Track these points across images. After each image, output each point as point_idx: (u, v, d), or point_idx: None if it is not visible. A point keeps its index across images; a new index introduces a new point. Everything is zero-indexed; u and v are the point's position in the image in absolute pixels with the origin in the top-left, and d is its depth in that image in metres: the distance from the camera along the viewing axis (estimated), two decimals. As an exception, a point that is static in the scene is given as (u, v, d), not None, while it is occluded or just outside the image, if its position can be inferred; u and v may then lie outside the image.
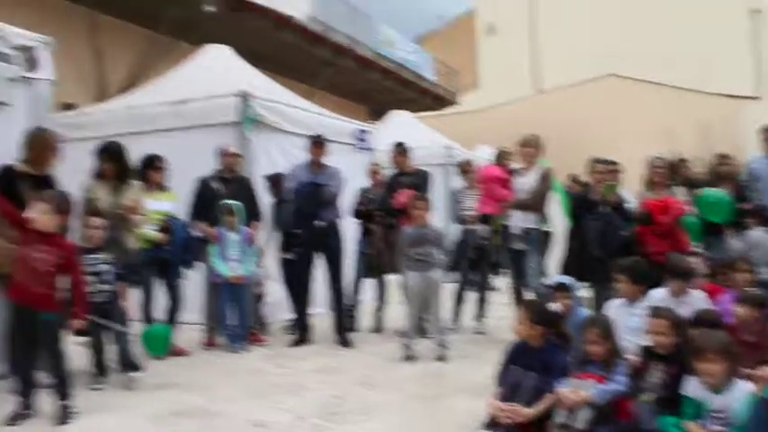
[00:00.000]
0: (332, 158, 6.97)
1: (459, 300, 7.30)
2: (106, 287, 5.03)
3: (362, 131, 9.45)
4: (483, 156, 12.34)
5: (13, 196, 4.60)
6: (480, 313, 7.33)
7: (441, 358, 5.92)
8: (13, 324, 4.31)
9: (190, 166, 6.71)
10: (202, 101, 7.61)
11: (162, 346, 5.91)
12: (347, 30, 20.25)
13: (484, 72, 32.75)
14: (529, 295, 6.11)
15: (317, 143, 6.77)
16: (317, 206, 6.60)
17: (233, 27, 14.17)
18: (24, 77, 5.27)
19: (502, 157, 7.89)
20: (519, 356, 3.94)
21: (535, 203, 6.45)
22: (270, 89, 8.67)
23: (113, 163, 5.65)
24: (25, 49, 5.25)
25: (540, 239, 6.60)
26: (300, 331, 6.74)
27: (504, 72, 29.80)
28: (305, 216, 6.58)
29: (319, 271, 6.78)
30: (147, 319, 6.01)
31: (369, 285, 7.50)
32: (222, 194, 6.46)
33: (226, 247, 6.38)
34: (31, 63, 5.30)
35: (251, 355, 6.25)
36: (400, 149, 7.32)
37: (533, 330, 3.91)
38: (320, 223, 6.59)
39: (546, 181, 6.47)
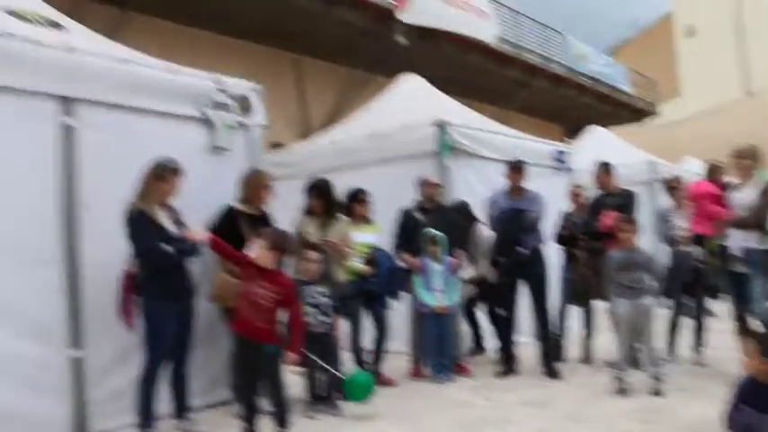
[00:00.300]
0: (531, 182, 6.85)
1: (673, 328, 6.82)
2: (325, 319, 5.28)
3: (561, 152, 9.21)
4: (691, 170, 11.61)
5: (234, 234, 5.00)
6: (698, 342, 6.80)
7: (656, 392, 5.55)
8: (237, 355, 4.61)
9: (390, 197, 6.87)
10: (400, 132, 7.80)
11: (363, 394, 5.80)
12: (538, 48, 20.01)
13: (684, 78, 30.94)
14: (754, 324, 5.59)
15: (516, 168, 6.69)
16: (520, 232, 6.50)
17: (423, 55, 14.45)
18: (241, 123, 5.70)
19: (714, 172, 7.36)
20: (750, 396, 3.56)
21: (756, 220, 5.89)
22: (465, 116, 8.71)
23: (321, 199, 5.93)
24: (241, 98, 5.69)
25: (764, 261, 6.02)
26: (506, 362, 6.64)
27: (707, 76, 28.00)
28: (507, 243, 6.51)
29: (524, 299, 6.65)
30: (356, 349, 6.19)
31: (575, 313, 7.25)
32: (424, 225, 6.55)
33: (430, 277, 6.44)
34: (247, 109, 5.73)
35: (456, 386, 6.23)
36: (605, 169, 7.04)
37: (765, 365, 3.54)
38: (523, 250, 6.48)
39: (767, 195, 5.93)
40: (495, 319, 6.90)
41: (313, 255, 5.37)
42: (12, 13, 5.04)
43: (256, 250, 4.52)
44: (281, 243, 4.59)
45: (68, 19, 5.76)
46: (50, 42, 4.72)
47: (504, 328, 6.67)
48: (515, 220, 6.54)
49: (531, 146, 8.77)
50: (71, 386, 4.60)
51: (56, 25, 5.31)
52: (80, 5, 9.60)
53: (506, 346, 6.67)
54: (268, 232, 4.72)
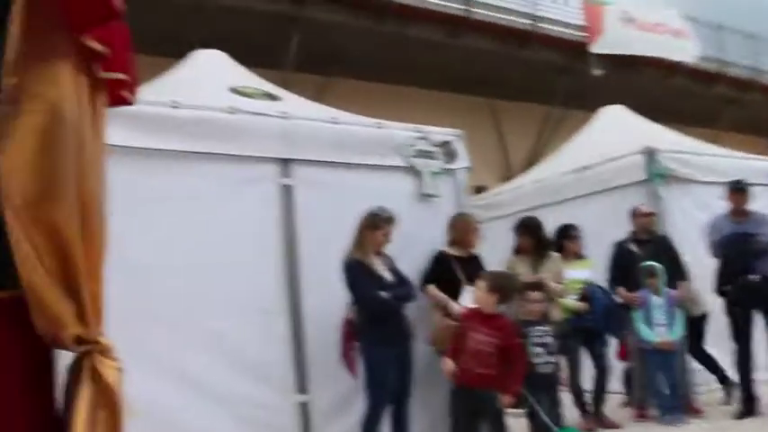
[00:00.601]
0: (755, 203, 6.35)
1: None
2: (551, 358, 5.16)
3: (786, 169, 8.44)
4: None
5: (448, 278, 5.11)
6: None
7: None
8: (457, 400, 4.62)
9: (599, 231, 6.64)
10: (606, 164, 7.56)
11: None
12: (747, 60, 18.66)
13: None
14: None
15: (738, 189, 6.23)
16: (748, 258, 5.99)
17: (621, 85, 14.00)
18: (445, 169, 5.82)
19: None
20: None
21: None
22: (673, 140, 8.29)
23: (531, 237, 5.86)
24: (444, 144, 5.82)
25: None
26: (745, 401, 6.04)
27: None
28: (735, 271, 6.02)
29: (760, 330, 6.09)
30: (575, 390, 5.97)
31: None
32: (640, 257, 6.22)
33: (650, 311, 6.08)
34: (450, 156, 5.84)
35: (688, 429, 5.75)
36: None
37: None
38: (755, 277, 5.95)
39: None
40: (701, 356, 6.39)
41: (535, 295, 5.27)
42: (234, 90, 5.56)
43: (474, 294, 4.55)
44: (501, 284, 4.57)
45: (281, 90, 6.26)
46: (268, 112, 5.14)
47: (742, 363, 6.10)
48: (742, 244, 6.05)
49: (752, 164, 8.12)
50: (299, 430, 4.83)
51: (271, 96, 5.78)
52: (289, 77, 10.42)
53: (745, 384, 6.09)
54: (487, 274, 4.73)
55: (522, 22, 13.88)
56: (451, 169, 5.85)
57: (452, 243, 5.43)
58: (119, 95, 2.47)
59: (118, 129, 3.79)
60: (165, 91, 5.07)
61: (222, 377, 4.55)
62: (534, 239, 5.84)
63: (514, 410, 5.05)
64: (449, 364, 4.63)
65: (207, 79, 5.69)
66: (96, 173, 2.21)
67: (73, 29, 2.12)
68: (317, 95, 10.28)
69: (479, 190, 10.61)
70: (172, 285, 4.39)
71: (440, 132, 5.89)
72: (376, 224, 4.84)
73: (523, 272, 5.70)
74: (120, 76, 2.38)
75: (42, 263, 2.03)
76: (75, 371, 2.13)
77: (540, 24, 14.08)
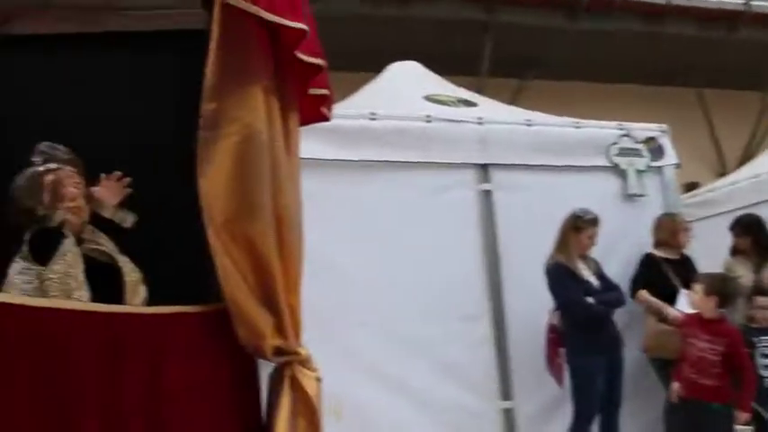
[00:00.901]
0: None
1: None
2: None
3: None
4: None
5: (660, 282, 4.86)
6: None
7: None
8: (678, 414, 4.30)
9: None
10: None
11: None
12: None
13: None
14: None
15: None
16: None
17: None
18: (652, 167, 5.52)
19: None
20: None
21: None
22: None
23: (750, 236, 5.39)
24: (650, 141, 5.53)
25: None
26: None
27: None
28: None
29: None
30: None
31: None
32: None
33: None
34: (657, 152, 5.54)
35: None
36: None
37: None
38: None
39: None
40: None
41: (764, 300, 4.82)
42: (429, 98, 5.63)
43: (691, 297, 4.26)
44: (719, 287, 4.22)
45: (476, 95, 6.25)
46: (463, 118, 5.15)
47: None
48: None
49: None
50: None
51: (467, 103, 5.78)
52: (484, 82, 10.42)
53: None
54: (704, 276, 4.40)
55: (732, 2, 12.82)
56: (658, 166, 5.55)
57: (659, 244, 5.16)
58: (318, 111, 2.58)
59: (319, 142, 4.03)
60: (363, 104, 5.25)
61: (425, 382, 4.60)
62: (754, 239, 5.35)
63: (743, 428, 4.65)
64: (676, 387, 4.34)
65: (402, 89, 5.81)
66: (291, 189, 2.30)
67: (290, 45, 2.23)
68: (513, 99, 10.18)
69: (691, 187, 9.92)
70: (374, 292, 4.51)
71: (644, 128, 5.62)
72: (579, 226, 4.68)
73: (743, 274, 5.24)
74: (325, 92, 2.48)
75: (245, 279, 2.14)
76: (276, 380, 2.24)
77: (752, 2, 12.92)
